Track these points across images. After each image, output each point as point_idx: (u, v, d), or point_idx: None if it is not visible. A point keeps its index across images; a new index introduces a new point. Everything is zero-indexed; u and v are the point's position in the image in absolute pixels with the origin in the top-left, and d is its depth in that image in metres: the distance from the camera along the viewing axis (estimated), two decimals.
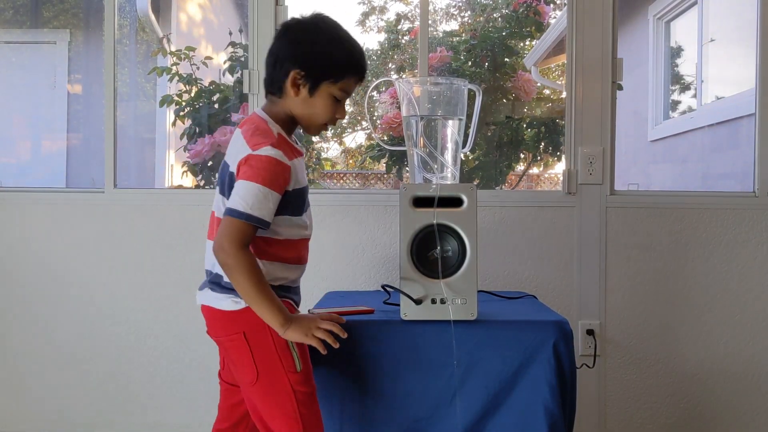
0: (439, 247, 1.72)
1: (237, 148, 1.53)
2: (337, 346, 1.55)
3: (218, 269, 1.55)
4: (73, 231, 2.71)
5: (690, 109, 5.42)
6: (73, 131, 5.53)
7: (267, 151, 1.48)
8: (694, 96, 5.33)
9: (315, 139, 4.83)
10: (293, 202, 1.57)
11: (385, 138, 3.41)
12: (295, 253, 1.63)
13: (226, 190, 1.54)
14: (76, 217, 2.71)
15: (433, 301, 1.73)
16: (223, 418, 1.75)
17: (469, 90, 1.88)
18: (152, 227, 2.67)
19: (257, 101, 2.66)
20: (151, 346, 2.67)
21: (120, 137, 2.78)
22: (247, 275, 1.46)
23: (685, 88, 5.64)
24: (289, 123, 1.61)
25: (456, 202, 1.72)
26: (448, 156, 1.82)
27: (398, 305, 1.75)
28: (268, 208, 1.48)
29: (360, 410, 1.74)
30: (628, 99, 5.55)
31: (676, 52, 5.58)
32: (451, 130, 1.83)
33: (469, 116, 1.92)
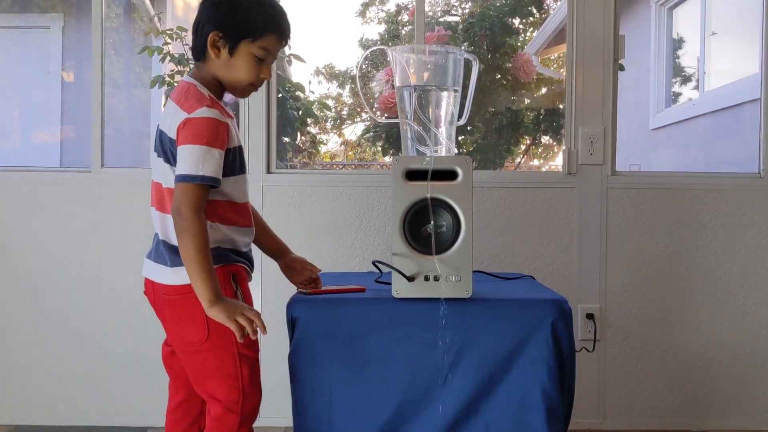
0: (432, 222, 1.65)
1: (172, 115, 1.54)
2: (254, 337, 1.51)
3: (175, 239, 1.54)
4: (60, 211, 2.64)
5: (691, 98, 5.36)
6: (68, 118, 5.46)
7: (203, 112, 1.50)
8: (695, 88, 5.27)
9: (314, 130, 4.77)
10: (234, 162, 1.60)
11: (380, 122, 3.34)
12: (246, 217, 1.65)
13: (170, 157, 1.55)
14: (62, 196, 2.65)
15: (426, 278, 1.66)
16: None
17: (466, 60, 1.80)
18: (141, 206, 2.58)
19: None
20: (140, 328, 2.60)
21: (114, 125, 2.72)
22: (197, 240, 1.48)
23: (686, 79, 5.59)
24: (217, 87, 1.62)
25: (450, 175, 1.65)
26: (443, 128, 1.75)
27: (390, 284, 1.68)
28: (216, 165, 1.51)
29: (349, 392, 1.67)
30: (629, 88, 5.48)
31: (677, 44, 5.52)
32: (446, 101, 1.76)
33: (466, 88, 1.84)
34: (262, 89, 2.59)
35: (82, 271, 2.64)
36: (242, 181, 1.63)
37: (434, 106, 1.76)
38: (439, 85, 1.75)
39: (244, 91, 1.64)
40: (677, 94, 5.62)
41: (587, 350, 2.46)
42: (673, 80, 5.58)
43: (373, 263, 1.79)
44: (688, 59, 5.50)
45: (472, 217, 1.66)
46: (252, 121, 2.62)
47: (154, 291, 1.62)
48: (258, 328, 1.50)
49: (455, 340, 1.65)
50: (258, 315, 1.51)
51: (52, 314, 2.64)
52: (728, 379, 2.60)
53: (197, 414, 1.68)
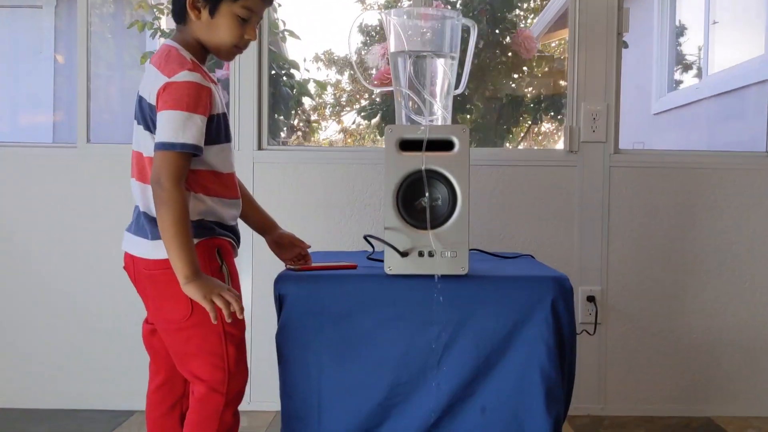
0: (427, 195, 1.57)
1: (152, 80, 1.46)
2: (229, 320, 1.42)
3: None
4: (46, 186, 2.56)
5: (692, 84, 5.29)
6: (61, 100, 5.38)
7: (185, 76, 1.42)
8: (696, 76, 5.21)
9: (313, 116, 4.69)
10: (219, 129, 1.51)
11: (377, 99, 3.27)
12: (232, 189, 1.57)
13: (150, 124, 1.47)
14: (49, 172, 2.57)
15: (421, 254, 1.58)
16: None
17: (464, 26, 1.72)
18: (128, 181, 2.51)
19: (239, 58, 2.50)
20: (128, 306, 2.52)
21: (109, 106, 2.65)
22: (176, 211, 1.40)
23: (687, 67, 5.52)
24: (200, 50, 1.54)
25: (447, 145, 1.57)
26: (439, 97, 1.66)
27: (382, 261, 1.60)
28: (198, 133, 1.42)
29: (339, 373, 1.59)
30: (630, 72, 5.39)
31: (679, 32, 5.44)
32: (443, 68, 1.67)
33: (463, 63, 1.75)
34: (253, 60, 2.52)
35: (67, 248, 2.56)
36: (227, 151, 1.55)
37: (430, 74, 1.68)
38: (435, 51, 1.67)
39: (228, 53, 1.55)
40: (678, 82, 5.55)
41: (588, 333, 2.39)
42: (675, 68, 5.51)
43: (365, 238, 1.70)
44: (689, 48, 5.44)
45: (469, 189, 1.58)
46: (243, 95, 2.53)
47: (134, 266, 1.54)
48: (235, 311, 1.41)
49: (450, 319, 1.58)
50: (236, 297, 1.42)
51: (36, 293, 2.57)
52: (734, 363, 2.53)
53: (179, 396, 1.60)
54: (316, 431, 1.60)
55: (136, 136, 1.53)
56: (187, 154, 1.41)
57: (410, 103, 1.66)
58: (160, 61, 1.47)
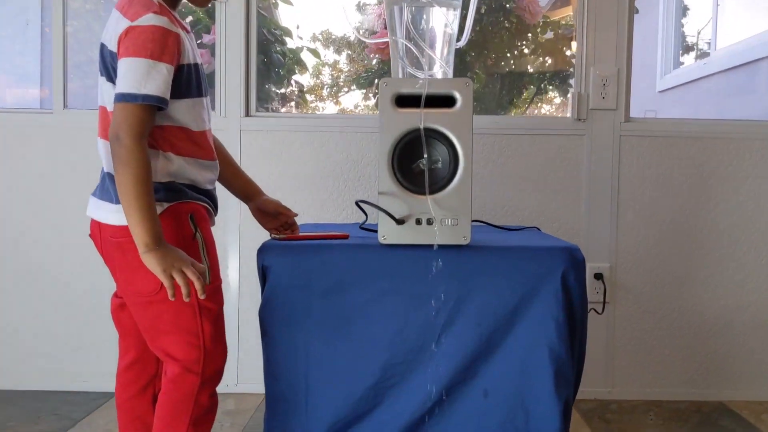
0: (426, 156, 1.42)
1: (114, 25, 1.32)
2: (187, 299, 1.27)
3: None
4: (21, 152, 2.42)
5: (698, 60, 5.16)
6: (48, 76, 5.21)
7: (149, 19, 1.27)
8: (702, 54, 5.07)
9: (309, 98, 4.56)
10: (190, 81, 1.36)
11: (375, 60, 3.12)
12: (206, 149, 1.42)
13: (113, 74, 1.32)
14: (24, 138, 2.42)
15: (418, 222, 1.44)
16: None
17: None
18: None
19: (226, 21, 2.36)
20: (105, 284, 2.38)
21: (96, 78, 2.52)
22: (136, 171, 1.25)
23: (689, 49, 5.38)
24: None
25: (447, 101, 1.42)
26: (439, 48, 1.51)
27: (377, 231, 1.46)
28: (163, 83, 1.28)
29: (328, 353, 1.46)
30: (635, 50, 5.25)
31: (684, 9, 5.30)
32: (443, 17, 1.52)
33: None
34: (241, 22, 2.36)
35: (43, 217, 2.42)
36: (200, 106, 1.40)
37: (430, 24, 1.52)
38: None
39: None
40: (681, 63, 5.42)
41: (596, 312, 2.25)
42: (681, 45, 5.39)
43: (357, 203, 1.56)
44: (695, 25, 5.31)
45: (472, 151, 1.43)
46: (230, 59, 2.37)
47: (100, 233, 1.40)
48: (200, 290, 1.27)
49: (450, 293, 1.45)
50: (198, 275, 1.26)
51: (8, 268, 2.42)
52: (748, 346, 2.40)
53: (151, 376, 1.47)
54: (304, 415, 1.47)
55: (101, 90, 1.38)
56: (151, 107, 1.27)
57: (407, 55, 1.51)
58: (123, 4, 1.33)
